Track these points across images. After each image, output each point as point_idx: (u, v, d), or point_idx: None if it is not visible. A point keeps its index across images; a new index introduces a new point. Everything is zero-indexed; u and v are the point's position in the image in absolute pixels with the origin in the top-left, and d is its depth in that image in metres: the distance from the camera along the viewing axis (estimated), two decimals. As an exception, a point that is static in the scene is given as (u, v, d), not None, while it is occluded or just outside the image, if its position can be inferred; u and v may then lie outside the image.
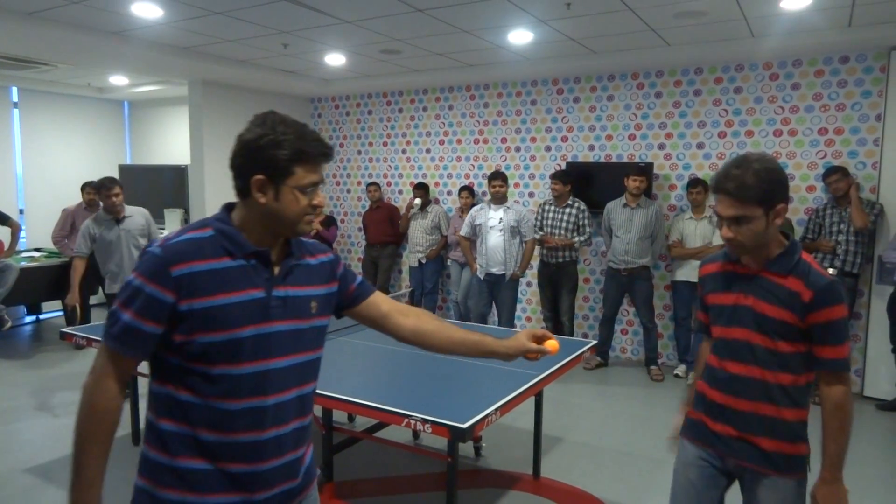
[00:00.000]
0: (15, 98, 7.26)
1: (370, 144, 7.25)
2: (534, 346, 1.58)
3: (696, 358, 2.05)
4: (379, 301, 1.57)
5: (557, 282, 5.43)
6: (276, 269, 1.35)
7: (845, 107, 4.82)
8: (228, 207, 1.35)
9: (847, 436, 1.68)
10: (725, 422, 1.78)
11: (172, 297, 1.23)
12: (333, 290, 1.48)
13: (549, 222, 5.39)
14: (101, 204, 4.37)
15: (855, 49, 4.70)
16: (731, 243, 1.71)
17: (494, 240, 5.23)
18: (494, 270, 5.27)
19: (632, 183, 5.11)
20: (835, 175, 4.56)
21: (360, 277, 1.58)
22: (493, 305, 5.52)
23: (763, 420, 1.72)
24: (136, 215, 4.47)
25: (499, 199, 5.28)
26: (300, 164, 1.28)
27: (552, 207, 5.41)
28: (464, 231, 5.47)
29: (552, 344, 1.59)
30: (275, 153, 1.25)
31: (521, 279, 5.45)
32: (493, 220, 5.25)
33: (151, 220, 4.60)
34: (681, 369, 5.28)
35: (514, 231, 5.20)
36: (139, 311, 1.23)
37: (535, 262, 6.10)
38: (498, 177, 5.27)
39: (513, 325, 5.51)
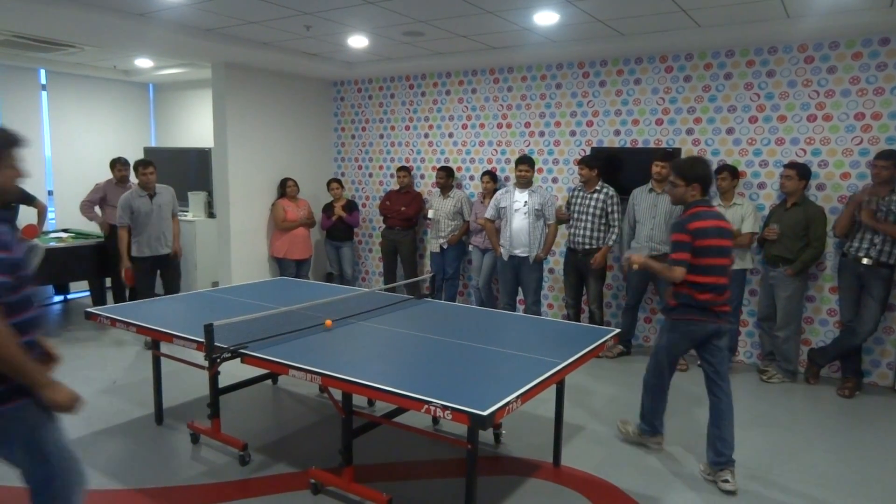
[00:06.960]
0: (43, 80, 7.35)
1: (392, 128, 7.20)
2: None
3: None
4: None
5: (584, 269, 5.37)
6: None
7: (884, 91, 4.64)
8: None
9: None
10: None
11: None
12: None
13: (577, 208, 5.32)
14: (137, 181, 5.16)
15: (896, 30, 4.52)
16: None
17: (519, 222, 5.28)
18: (518, 252, 5.33)
19: (655, 168, 5.04)
20: (885, 161, 4.33)
21: None
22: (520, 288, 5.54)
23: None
24: (164, 192, 5.38)
25: (524, 184, 5.27)
26: None
27: (580, 193, 5.35)
28: (488, 214, 5.51)
29: None
30: None
31: (544, 262, 5.48)
32: (518, 203, 5.28)
33: (175, 196, 5.51)
34: (705, 359, 5.18)
35: (539, 214, 5.24)
36: None
37: (557, 249, 6.04)
38: (524, 161, 5.28)
39: (539, 307, 5.49)
